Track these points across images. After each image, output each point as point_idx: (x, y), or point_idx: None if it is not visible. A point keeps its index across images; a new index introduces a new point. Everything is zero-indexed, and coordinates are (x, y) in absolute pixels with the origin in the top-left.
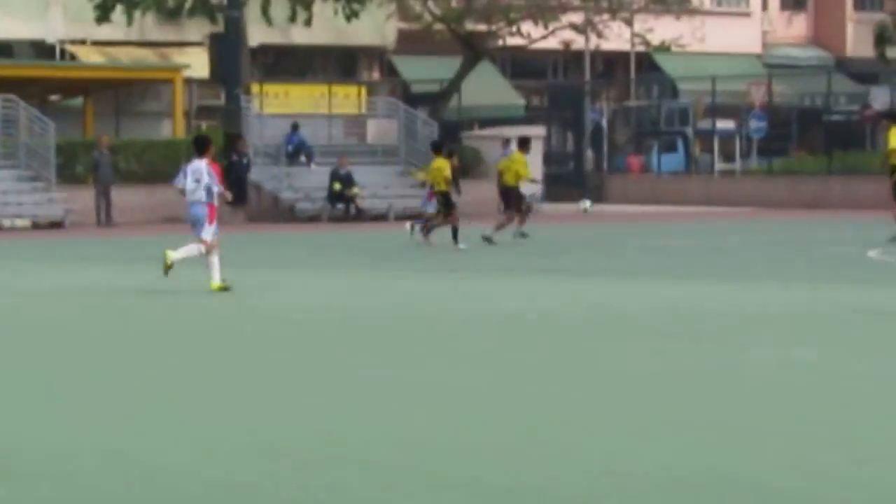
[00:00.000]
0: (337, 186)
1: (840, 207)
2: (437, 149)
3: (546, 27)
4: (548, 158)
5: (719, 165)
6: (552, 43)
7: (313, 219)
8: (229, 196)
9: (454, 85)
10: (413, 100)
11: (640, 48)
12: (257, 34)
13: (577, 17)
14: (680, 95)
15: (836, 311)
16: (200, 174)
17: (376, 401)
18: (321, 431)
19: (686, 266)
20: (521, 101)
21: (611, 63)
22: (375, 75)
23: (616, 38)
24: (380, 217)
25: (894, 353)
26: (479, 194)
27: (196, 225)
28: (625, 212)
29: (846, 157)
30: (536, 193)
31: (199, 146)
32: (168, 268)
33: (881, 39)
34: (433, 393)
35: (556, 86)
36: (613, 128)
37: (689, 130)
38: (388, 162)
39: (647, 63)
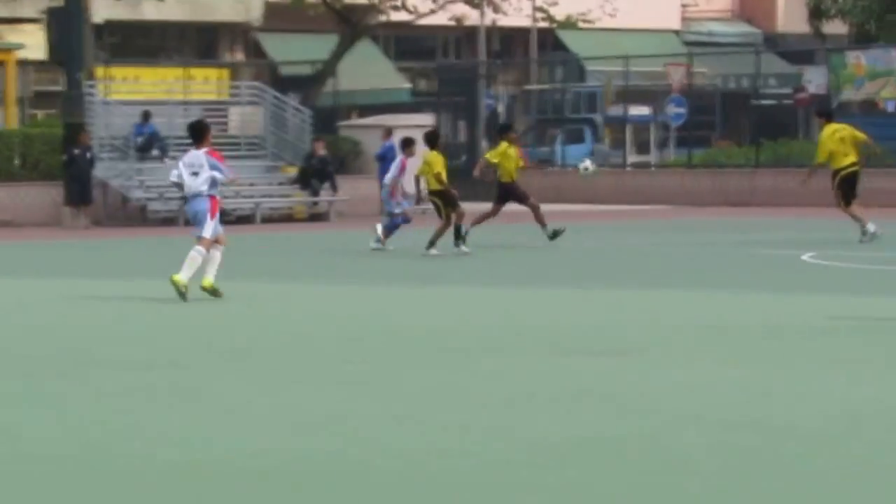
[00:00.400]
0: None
1: (770, 204)
2: (432, 141)
3: (435, 1)
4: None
5: (632, 157)
6: (442, 19)
7: (168, 221)
8: (234, 177)
9: (329, 67)
10: (282, 84)
11: (543, 24)
12: (102, 9)
13: None
14: (588, 78)
15: (759, 324)
16: (200, 165)
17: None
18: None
19: (596, 272)
20: (407, 85)
21: (509, 41)
22: (239, 56)
23: (515, 12)
24: (245, 219)
25: (826, 371)
26: (358, 192)
27: (197, 221)
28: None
29: (777, 147)
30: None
31: (196, 134)
32: (182, 293)
33: (817, 13)
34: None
35: (446, 67)
36: (512, 115)
37: (598, 117)
38: (254, 155)
39: (551, 41)
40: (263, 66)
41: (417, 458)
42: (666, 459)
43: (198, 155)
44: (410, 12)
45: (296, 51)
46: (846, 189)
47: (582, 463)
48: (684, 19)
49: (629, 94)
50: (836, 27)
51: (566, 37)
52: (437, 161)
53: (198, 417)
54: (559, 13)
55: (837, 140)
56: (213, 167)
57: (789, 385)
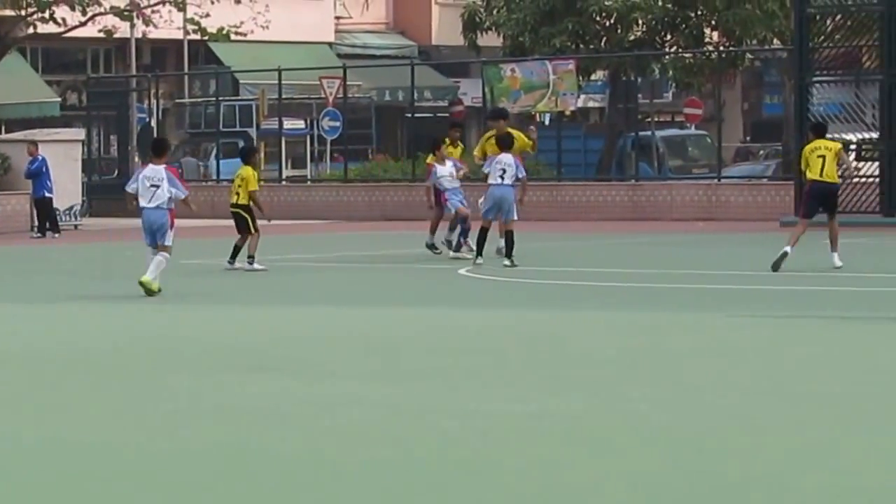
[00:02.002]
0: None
1: (429, 218)
2: (246, 156)
3: (84, 12)
4: (89, 165)
5: (288, 171)
6: (92, 31)
7: None
8: (193, 207)
9: None
10: None
11: (195, 37)
12: None
13: (120, 1)
14: (242, 91)
15: (414, 337)
16: (160, 179)
17: None
18: None
19: (243, 289)
20: (56, 99)
21: (162, 54)
22: None
23: (167, 25)
24: None
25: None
26: (6, 208)
27: (154, 231)
28: (181, 225)
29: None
30: (76, 207)
31: (157, 149)
32: (152, 292)
33: (471, 25)
34: None
35: (96, 81)
36: (165, 128)
37: (253, 131)
38: None
39: (204, 54)
40: None
41: None
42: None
43: (157, 170)
44: (59, 24)
45: None
46: None
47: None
48: (338, 32)
49: (284, 108)
50: (491, 40)
51: (219, 49)
52: (252, 176)
53: None
54: (212, 25)
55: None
56: (171, 183)
57: (438, 399)
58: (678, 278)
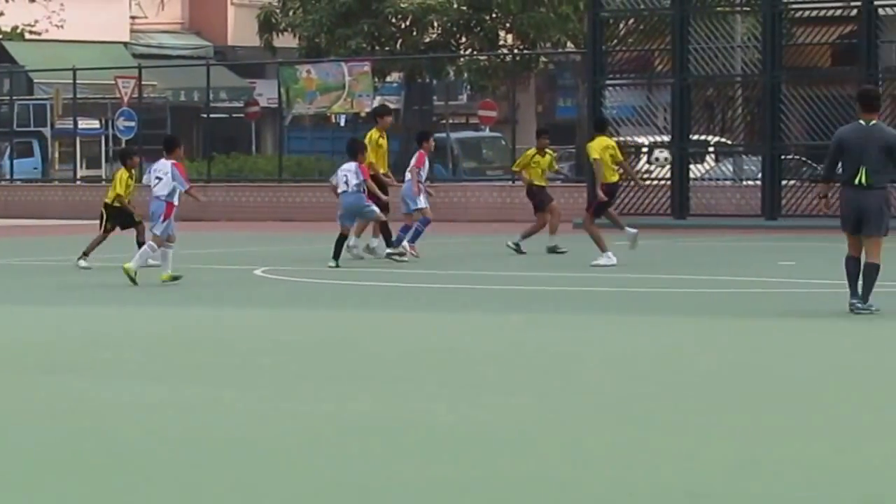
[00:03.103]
0: None
1: (223, 219)
2: (124, 157)
3: None
4: None
5: (82, 171)
6: None
7: None
8: (202, 198)
9: None
10: None
11: None
12: None
13: None
14: (36, 91)
15: (209, 338)
16: (165, 173)
17: None
18: None
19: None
20: None
21: None
22: None
23: None
24: None
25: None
26: None
27: (152, 220)
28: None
29: (229, 162)
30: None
31: (168, 146)
32: (132, 278)
33: (267, 26)
34: None
35: None
36: None
37: (48, 131)
38: None
39: None
40: None
41: None
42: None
43: (165, 164)
44: None
45: None
46: None
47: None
48: (133, 31)
49: (79, 107)
50: (288, 41)
51: (13, 48)
52: (118, 179)
53: None
54: (5, 24)
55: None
56: (174, 178)
57: (233, 401)
58: (473, 279)
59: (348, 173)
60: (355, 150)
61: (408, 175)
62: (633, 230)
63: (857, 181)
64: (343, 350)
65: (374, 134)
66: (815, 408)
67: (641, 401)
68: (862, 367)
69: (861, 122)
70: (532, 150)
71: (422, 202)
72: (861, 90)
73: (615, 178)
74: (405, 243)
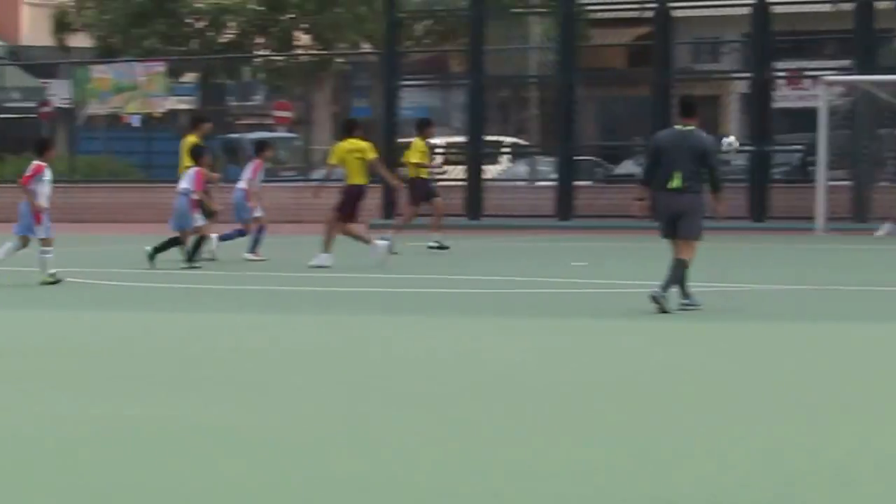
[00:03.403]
0: None
1: (14, 221)
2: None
3: None
4: None
5: None
6: None
7: None
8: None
9: None
10: None
11: None
12: None
13: None
14: None
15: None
16: (188, 176)
17: None
18: None
19: None
20: None
21: None
22: None
23: None
24: None
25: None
26: None
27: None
28: None
29: (20, 163)
30: None
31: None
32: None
33: (61, 26)
34: None
35: None
36: None
37: None
38: None
39: None
40: None
41: None
42: None
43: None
44: None
45: None
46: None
47: None
48: None
49: None
50: (83, 41)
51: None
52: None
53: None
54: None
55: None
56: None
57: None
58: (265, 280)
59: (185, 177)
60: (197, 155)
61: (242, 184)
62: (384, 242)
63: (671, 185)
64: (135, 349)
65: (191, 139)
66: (586, 408)
67: (439, 400)
68: (655, 366)
69: (678, 127)
70: (421, 142)
71: (258, 211)
72: (681, 97)
73: (362, 181)
74: (248, 253)
